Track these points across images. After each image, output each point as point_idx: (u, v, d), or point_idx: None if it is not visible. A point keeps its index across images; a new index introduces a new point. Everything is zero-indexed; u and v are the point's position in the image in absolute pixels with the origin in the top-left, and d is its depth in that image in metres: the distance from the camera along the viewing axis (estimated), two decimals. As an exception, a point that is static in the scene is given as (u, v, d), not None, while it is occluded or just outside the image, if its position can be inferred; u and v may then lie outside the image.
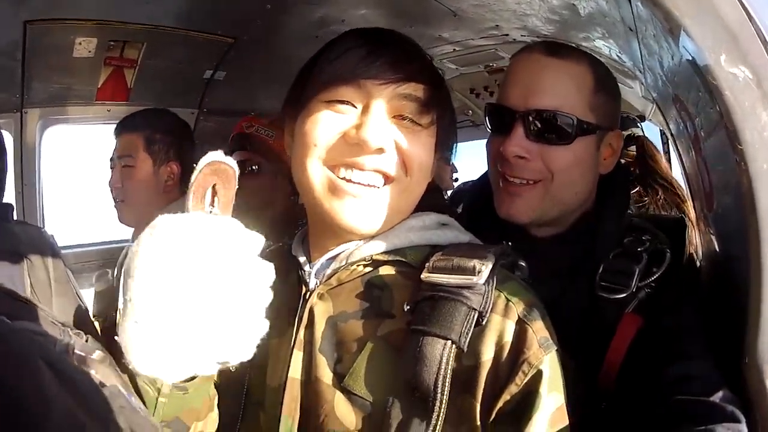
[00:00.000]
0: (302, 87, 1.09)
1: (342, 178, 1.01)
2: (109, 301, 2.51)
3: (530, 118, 1.24)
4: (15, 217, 2.01)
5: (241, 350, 0.82)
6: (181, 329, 0.77)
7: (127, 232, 2.36)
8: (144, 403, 0.94)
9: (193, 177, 0.88)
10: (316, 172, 1.02)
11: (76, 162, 3.37)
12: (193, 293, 0.78)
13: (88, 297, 2.10)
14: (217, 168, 0.91)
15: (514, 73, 1.32)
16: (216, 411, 1.10)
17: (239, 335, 0.82)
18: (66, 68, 2.24)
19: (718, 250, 1.23)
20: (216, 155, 0.89)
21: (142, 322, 0.76)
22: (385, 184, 1.04)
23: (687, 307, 1.18)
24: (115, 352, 1.92)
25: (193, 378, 0.97)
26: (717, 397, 0.98)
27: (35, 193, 2.57)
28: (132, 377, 0.94)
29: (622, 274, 1.21)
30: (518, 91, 1.27)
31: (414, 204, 1.11)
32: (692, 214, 1.86)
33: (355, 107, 1.03)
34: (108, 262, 2.73)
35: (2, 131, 2.17)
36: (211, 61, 2.47)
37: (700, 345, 1.10)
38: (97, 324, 2.12)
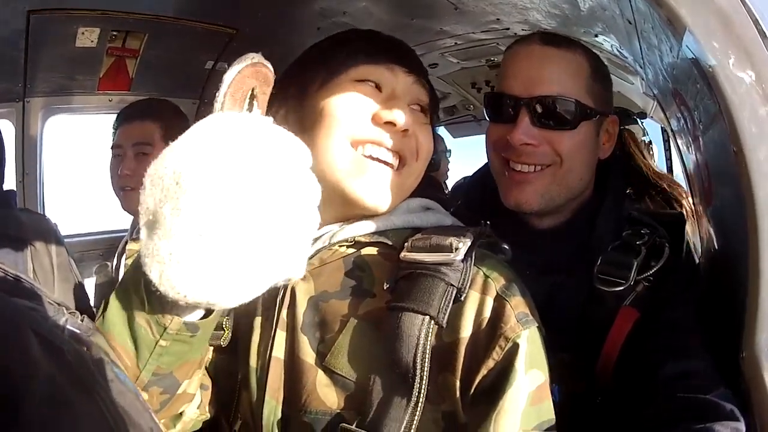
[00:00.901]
0: (323, 68, 1.10)
1: (368, 156, 1.05)
2: (108, 293, 2.51)
3: (535, 105, 1.25)
4: (17, 205, 2.03)
5: (296, 265, 0.81)
6: (243, 243, 0.73)
7: (126, 222, 2.37)
8: (137, 351, 0.89)
9: (228, 77, 0.83)
10: (340, 149, 1.04)
11: (77, 151, 3.38)
12: (253, 203, 0.73)
13: (88, 286, 2.10)
14: (258, 70, 0.87)
15: (513, 63, 1.33)
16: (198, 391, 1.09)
17: (295, 248, 0.80)
18: (68, 58, 2.24)
19: (716, 244, 1.23)
20: (256, 55, 0.86)
21: (205, 236, 0.71)
22: (398, 166, 1.08)
23: (685, 301, 1.19)
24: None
25: (207, 315, 0.92)
26: (715, 394, 0.98)
27: (36, 183, 2.58)
28: (131, 317, 0.88)
29: (621, 266, 1.21)
30: (520, 80, 1.28)
31: (413, 189, 1.14)
32: (686, 206, 1.88)
33: (380, 90, 1.07)
34: (107, 252, 2.73)
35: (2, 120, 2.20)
36: (213, 52, 2.47)
37: (698, 341, 1.11)
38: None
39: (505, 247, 1.05)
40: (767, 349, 0.91)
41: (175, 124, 2.16)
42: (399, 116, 1.03)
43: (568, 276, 1.27)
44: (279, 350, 1.03)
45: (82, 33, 2.07)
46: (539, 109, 1.25)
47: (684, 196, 2.05)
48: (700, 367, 1.04)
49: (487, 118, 1.39)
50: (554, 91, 1.25)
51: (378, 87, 1.07)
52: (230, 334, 1.11)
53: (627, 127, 2.38)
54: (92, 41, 2.13)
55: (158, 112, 2.18)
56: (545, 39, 1.30)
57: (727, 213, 1.09)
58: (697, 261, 1.45)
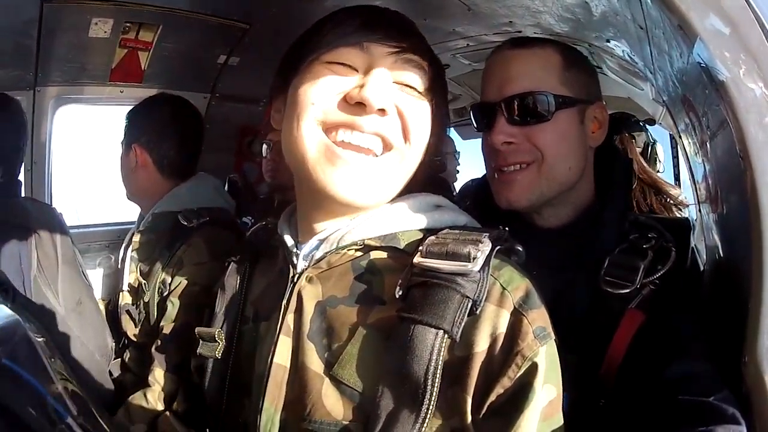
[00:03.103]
0: (298, 54, 1.05)
1: (339, 142, 0.97)
2: (113, 284, 2.54)
3: (508, 105, 1.30)
4: (23, 194, 2.06)
5: None
6: None
7: (133, 214, 2.38)
8: None
9: None
10: (310, 135, 0.98)
11: (86, 142, 3.39)
12: None
13: (92, 277, 2.13)
14: None
15: (487, 72, 1.39)
16: None
17: None
18: (81, 48, 2.25)
19: (721, 250, 1.23)
20: None
21: None
22: (383, 152, 1.00)
23: (690, 305, 1.19)
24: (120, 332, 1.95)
25: None
26: (717, 397, 0.98)
27: (44, 171, 2.59)
28: None
29: (627, 269, 1.21)
30: (493, 85, 1.34)
31: (409, 177, 1.07)
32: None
33: (357, 71, 0.99)
34: (113, 244, 2.75)
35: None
36: (225, 47, 2.48)
37: (702, 345, 1.11)
38: (102, 306, 2.17)
39: (519, 249, 1.01)
40: (770, 354, 0.91)
41: (126, 124, 2.19)
42: (372, 94, 0.94)
43: (574, 276, 1.28)
44: (281, 357, 1.00)
45: (95, 23, 2.08)
46: (512, 108, 1.29)
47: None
48: (702, 371, 1.05)
49: (475, 130, 1.44)
50: (524, 87, 1.29)
51: (353, 68, 0.99)
52: (224, 345, 1.12)
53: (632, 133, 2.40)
54: (105, 32, 2.14)
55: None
56: (515, 43, 1.37)
57: (733, 220, 1.09)
58: (702, 267, 1.45)
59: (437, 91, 1.08)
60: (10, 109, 2.03)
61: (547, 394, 0.87)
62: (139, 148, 2.11)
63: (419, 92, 1.04)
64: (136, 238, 2.15)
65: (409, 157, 1.04)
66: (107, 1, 1.98)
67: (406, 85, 1.02)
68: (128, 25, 2.18)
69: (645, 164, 2.18)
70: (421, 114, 1.04)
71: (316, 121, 0.98)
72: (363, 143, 0.98)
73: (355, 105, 0.96)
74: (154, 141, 2.11)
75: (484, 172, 1.61)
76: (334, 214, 1.03)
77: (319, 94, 0.98)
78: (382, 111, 0.97)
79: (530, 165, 1.31)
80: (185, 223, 1.96)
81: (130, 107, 2.23)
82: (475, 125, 1.43)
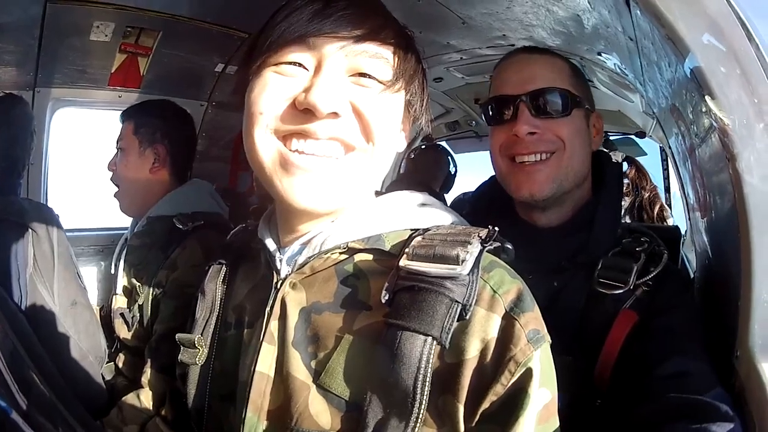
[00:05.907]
0: (248, 56, 0.99)
1: (295, 151, 0.92)
2: (107, 289, 2.54)
3: (531, 99, 1.37)
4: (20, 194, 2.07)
5: None
6: None
7: (126, 219, 2.38)
8: None
9: None
10: (264, 145, 0.93)
11: (83, 145, 3.38)
12: None
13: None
14: None
15: (504, 71, 1.48)
16: None
17: None
18: (81, 51, 2.25)
19: (710, 254, 1.26)
20: None
21: None
22: (346, 152, 0.94)
23: (682, 305, 1.23)
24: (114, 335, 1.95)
25: None
26: (711, 395, 0.99)
27: (40, 173, 2.58)
28: None
29: (621, 270, 1.26)
30: (513, 82, 1.41)
31: (380, 175, 1.03)
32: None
33: (307, 69, 0.93)
34: (107, 248, 2.75)
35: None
36: (224, 55, 2.49)
37: (695, 342, 1.13)
38: (96, 310, 2.16)
39: (509, 246, 0.98)
40: (761, 342, 0.93)
41: (147, 119, 2.19)
42: (319, 98, 0.87)
43: (570, 277, 1.31)
44: (264, 365, 0.97)
45: (97, 27, 2.09)
46: (535, 102, 1.37)
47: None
48: (695, 368, 1.07)
49: (488, 123, 1.50)
50: (547, 84, 1.37)
51: (303, 66, 0.92)
52: (206, 352, 1.10)
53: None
54: (106, 36, 2.15)
55: (136, 112, 2.22)
56: (528, 49, 1.51)
57: (721, 222, 1.11)
58: (692, 274, 1.49)
59: (407, 69, 1.00)
60: (19, 107, 2.04)
61: (542, 398, 0.84)
62: (162, 149, 2.13)
63: (381, 82, 0.95)
64: (131, 241, 2.15)
65: (378, 156, 0.97)
66: (109, 5, 1.99)
67: (365, 76, 0.94)
68: (129, 29, 2.19)
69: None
70: (383, 108, 0.96)
71: (268, 131, 0.93)
72: (319, 151, 0.92)
73: (304, 111, 0.90)
74: (176, 144, 2.14)
75: (476, 185, 1.66)
76: (313, 216, 0.99)
77: (267, 102, 0.93)
78: (333, 114, 0.90)
79: (552, 155, 1.38)
80: (180, 227, 1.97)
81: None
82: (489, 120, 1.49)
